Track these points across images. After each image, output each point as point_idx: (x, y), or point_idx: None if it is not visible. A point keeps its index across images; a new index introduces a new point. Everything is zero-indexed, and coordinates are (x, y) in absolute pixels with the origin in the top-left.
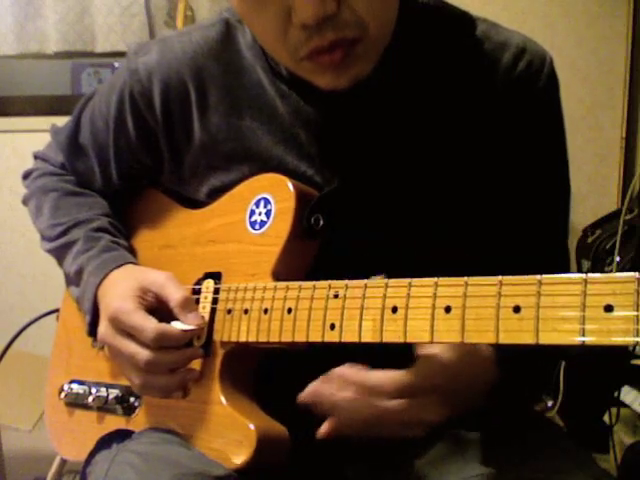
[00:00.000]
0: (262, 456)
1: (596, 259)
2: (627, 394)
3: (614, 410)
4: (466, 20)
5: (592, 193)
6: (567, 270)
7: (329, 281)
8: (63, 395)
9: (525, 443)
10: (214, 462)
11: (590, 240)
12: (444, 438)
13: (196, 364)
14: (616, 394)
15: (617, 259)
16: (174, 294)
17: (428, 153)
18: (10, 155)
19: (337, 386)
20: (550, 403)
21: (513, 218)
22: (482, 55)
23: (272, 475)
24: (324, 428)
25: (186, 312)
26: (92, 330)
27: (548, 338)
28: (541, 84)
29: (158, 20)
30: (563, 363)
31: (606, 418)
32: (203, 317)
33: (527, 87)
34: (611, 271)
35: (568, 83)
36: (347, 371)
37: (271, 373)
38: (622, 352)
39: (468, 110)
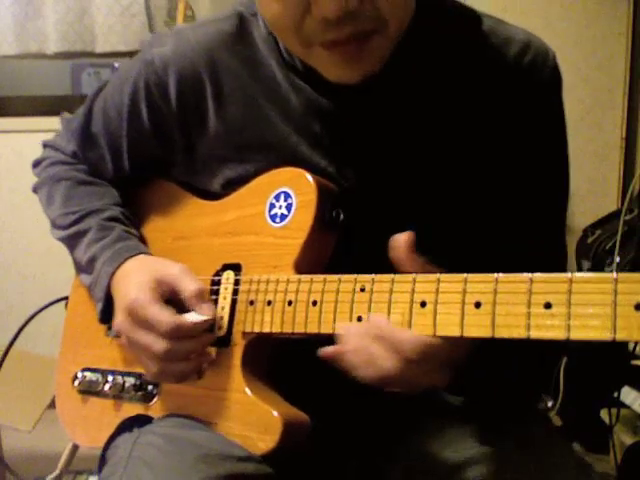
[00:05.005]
0: (286, 442)
1: (596, 259)
2: (627, 394)
3: (614, 410)
4: (472, 16)
5: (592, 193)
6: (564, 264)
7: (355, 275)
8: (77, 383)
9: (525, 432)
10: (235, 444)
11: (590, 240)
12: (441, 413)
13: (216, 354)
14: (616, 394)
15: (617, 259)
16: (189, 286)
17: (439, 146)
18: (10, 155)
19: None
20: (550, 403)
21: (514, 209)
22: (489, 50)
23: (289, 460)
24: (330, 349)
25: (200, 303)
26: (104, 318)
27: (579, 334)
28: (545, 79)
29: (158, 20)
30: (563, 362)
31: (606, 418)
32: (221, 307)
33: (531, 82)
34: (611, 271)
35: (568, 83)
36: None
37: (279, 364)
38: (622, 352)
39: (476, 103)
